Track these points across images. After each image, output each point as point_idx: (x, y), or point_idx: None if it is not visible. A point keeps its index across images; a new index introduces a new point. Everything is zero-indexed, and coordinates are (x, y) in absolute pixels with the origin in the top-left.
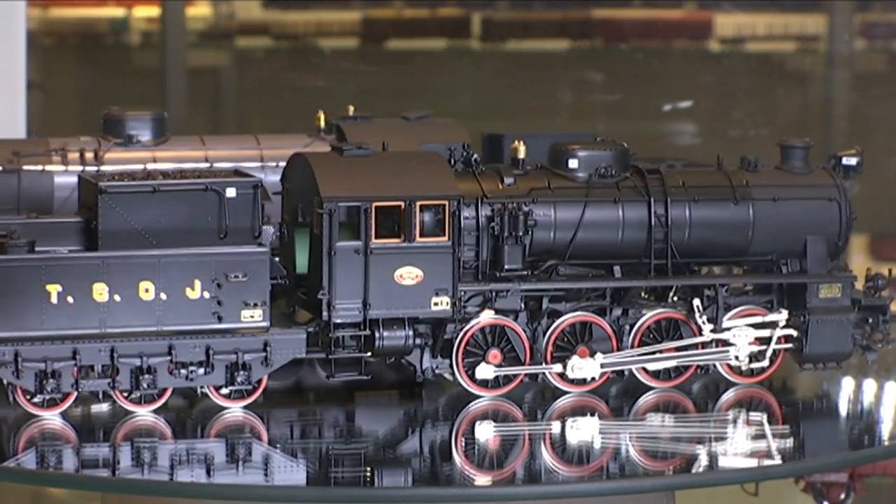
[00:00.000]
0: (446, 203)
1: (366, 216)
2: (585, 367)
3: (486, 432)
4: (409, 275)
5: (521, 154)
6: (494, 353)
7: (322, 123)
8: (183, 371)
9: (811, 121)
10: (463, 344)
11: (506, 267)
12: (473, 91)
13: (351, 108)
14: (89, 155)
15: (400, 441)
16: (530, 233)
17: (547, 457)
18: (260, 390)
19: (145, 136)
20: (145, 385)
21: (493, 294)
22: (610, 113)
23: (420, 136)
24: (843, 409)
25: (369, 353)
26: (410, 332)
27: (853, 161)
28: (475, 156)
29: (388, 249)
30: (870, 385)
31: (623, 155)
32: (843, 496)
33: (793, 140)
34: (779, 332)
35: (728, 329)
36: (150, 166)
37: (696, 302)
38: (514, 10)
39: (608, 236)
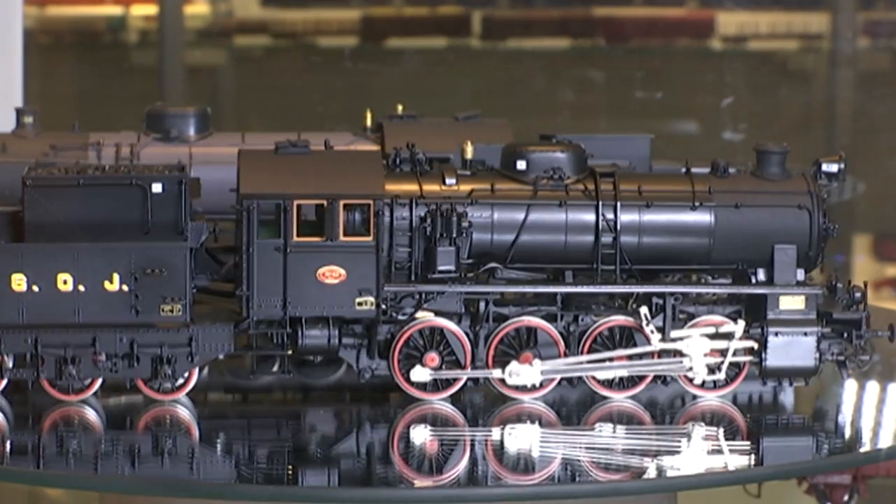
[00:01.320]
0: (371, 202)
1: (286, 214)
2: (523, 373)
3: (421, 436)
4: (331, 274)
5: (469, 154)
6: (431, 356)
7: (368, 122)
8: (108, 363)
9: (814, 120)
10: (399, 345)
11: (438, 269)
12: (474, 90)
13: (399, 107)
14: (125, 150)
15: (337, 441)
16: (467, 235)
17: (488, 462)
18: (190, 384)
19: (188, 131)
20: (69, 375)
21: (422, 295)
22: (612, 111)
23: (463, 137)
24: (817, 423)
25: (290, 351)
26: (335, 332)
27: (834, 168)
28: (420, 154)
29: (310, 247)
30: (852, 398)
31: (578, 157)
32: (846, 498)
33: (769, 145)
34: (735, 345)
35: (681, 339)
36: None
37: (644, 310)
38: (514, 8)
39: (553, 240)
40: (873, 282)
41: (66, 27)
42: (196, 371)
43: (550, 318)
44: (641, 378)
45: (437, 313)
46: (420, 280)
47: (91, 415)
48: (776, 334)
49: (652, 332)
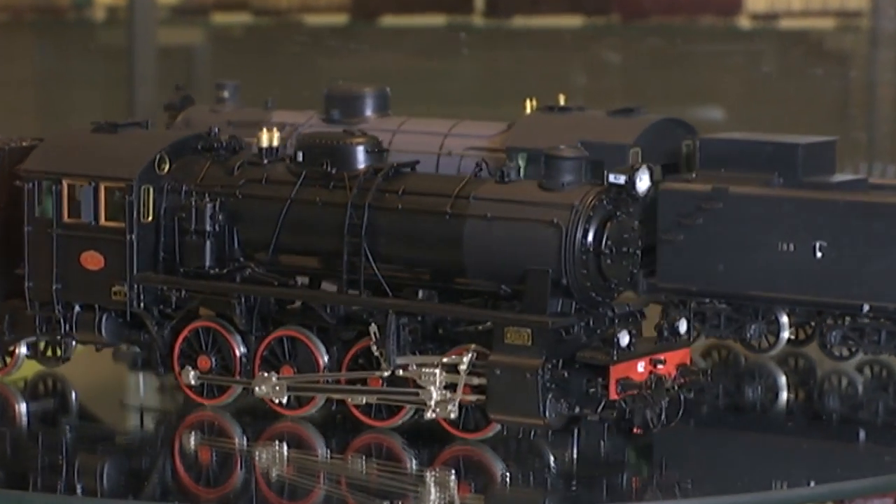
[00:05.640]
0: (124, 186)
1: (57, 193)
2: (265, 386)
3: (191, 443)
4: (92, 259)
5: (265, 142)
6: (203, 359)
7: (528, 111)
8: None
9: (852, 105)
10: (177, 345)
11: (191, 264)
12: (475, 72)
13: (562, 98)
14: (289, 129)
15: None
16: (225, 229)
17: (252, 480)
18: (12, 364)
19: (363, 112)
20: None
21: (176, 291)
22: (629, 96)
23: (584, 133)
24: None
25: (59, 337)
26: (103, 319)
27: (622, 179)
28: (235, 143)
29: (74, 230)
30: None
31: (369, 150)
32: None
33: (559, 149)
34: (465, 380)
35: (411, 367)
36: None
37: (374, 328)
38: None
39: (310, 240)
40: None
41: (26, 4)
42: (20, 351)
43: (325, 330)
44: (399, 408)
45: (219, 314)
46: (173, 273)
47: None
48: (496, 372)
49: (380, 355)
